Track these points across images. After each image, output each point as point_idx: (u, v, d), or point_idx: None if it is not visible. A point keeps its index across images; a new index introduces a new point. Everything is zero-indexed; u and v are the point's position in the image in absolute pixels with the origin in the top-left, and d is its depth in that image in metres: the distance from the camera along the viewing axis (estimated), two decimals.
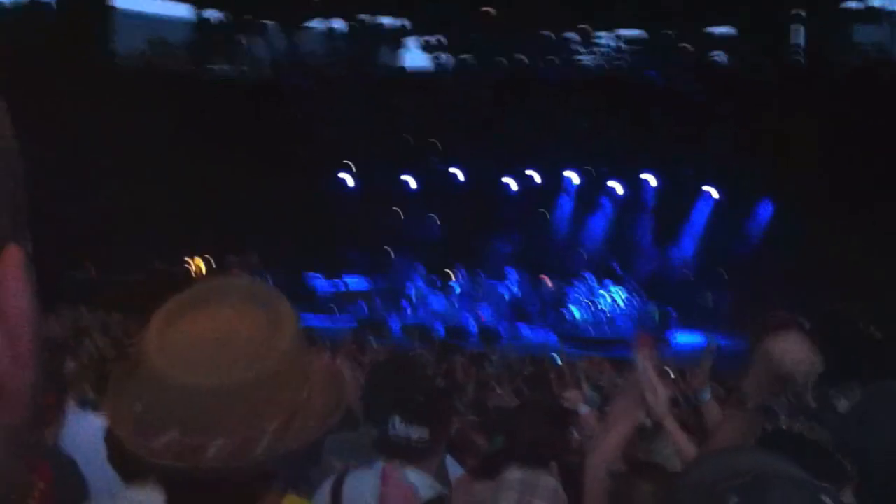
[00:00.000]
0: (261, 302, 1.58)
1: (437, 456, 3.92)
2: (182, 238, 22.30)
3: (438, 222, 25.23)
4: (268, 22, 27.02)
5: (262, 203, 22.85)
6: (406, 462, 3.61)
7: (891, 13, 22.18)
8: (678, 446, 4.36)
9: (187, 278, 23.37)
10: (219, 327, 1.52)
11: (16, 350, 0.70)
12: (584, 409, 4.70)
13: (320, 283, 23.95)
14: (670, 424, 4.53)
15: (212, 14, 26.86)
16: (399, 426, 3.73)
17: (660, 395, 4.26)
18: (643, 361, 3.94)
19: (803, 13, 22.94)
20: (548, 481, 3.36)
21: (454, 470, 4.11)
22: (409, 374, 4.80)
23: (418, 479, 3.56)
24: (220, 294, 1.58)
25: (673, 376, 5.68)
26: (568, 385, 9.36)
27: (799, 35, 23.08)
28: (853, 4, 22.45)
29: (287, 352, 1.54)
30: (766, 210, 22.77)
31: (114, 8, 24.96)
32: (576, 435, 4.85)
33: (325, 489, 3.71)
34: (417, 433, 3.72)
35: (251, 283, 1.65)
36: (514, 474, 3.33)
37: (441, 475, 3.89)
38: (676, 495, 1.47)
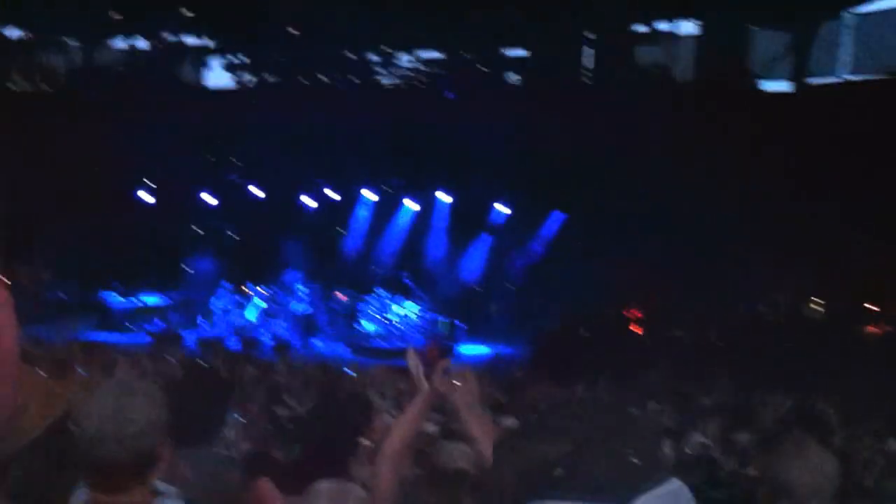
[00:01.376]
0: None
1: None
2: None
3: (236, 239, 24.69)
4: (68, 39, 25.93)
5: (57, 217, 21.71)
6: None
7: (670, 35, 23.26)
8: (470, 447, 4.28)
9: None
10: None
11: (2, 373, 0.60)
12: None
13: (115, 299, 22.93)
14: (464, 426, 4.44)
15: (11, 31, 25.55)
16: None
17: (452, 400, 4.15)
18: (420, 370, 3.88)
19: (593, 36, 23.62)
20: (356, 490, 3.42)
21: None
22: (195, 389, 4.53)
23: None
24: None
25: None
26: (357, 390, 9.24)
27: (588, 56, 23.68)
28: (640, 28, 23.27)
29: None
30: (554, 224, 23.24)
31: None
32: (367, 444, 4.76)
33: None
34: None
35: None
36: (322, 485, 3.39)
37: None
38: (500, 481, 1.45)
